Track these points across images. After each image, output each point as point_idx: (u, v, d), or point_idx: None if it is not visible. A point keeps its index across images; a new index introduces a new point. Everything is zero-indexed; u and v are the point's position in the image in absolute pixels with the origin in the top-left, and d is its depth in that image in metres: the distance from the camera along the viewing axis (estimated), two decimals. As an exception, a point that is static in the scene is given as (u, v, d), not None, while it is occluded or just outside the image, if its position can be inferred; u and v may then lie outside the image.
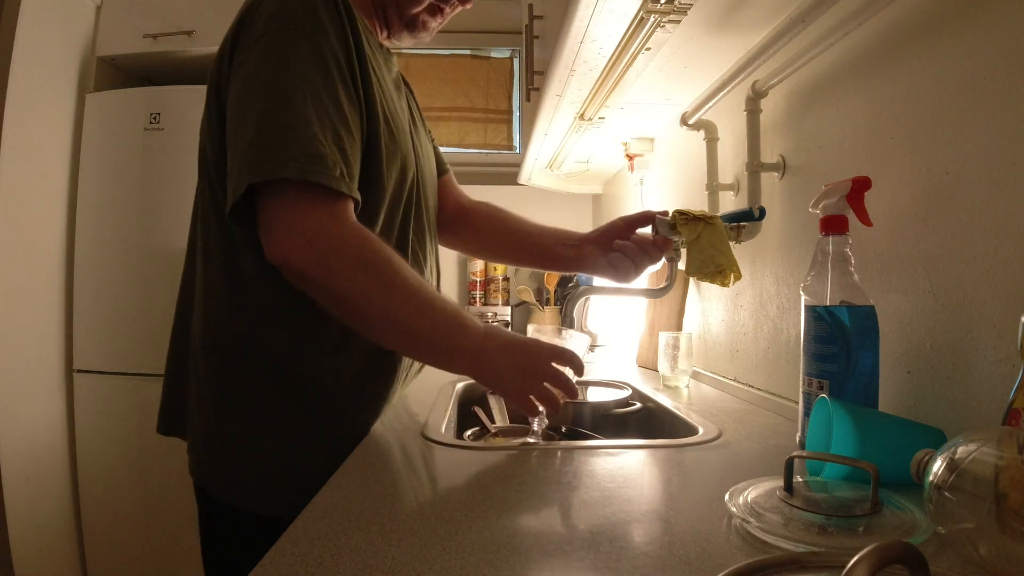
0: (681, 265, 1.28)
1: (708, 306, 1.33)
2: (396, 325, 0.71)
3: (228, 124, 0.71)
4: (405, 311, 0.70)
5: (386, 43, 0.92)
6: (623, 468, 0.70)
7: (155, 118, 1.92)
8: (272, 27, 0.70)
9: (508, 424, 1.20)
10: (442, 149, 1.15)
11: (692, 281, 1.42)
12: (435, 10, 0.90)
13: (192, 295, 0.84)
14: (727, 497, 0.54)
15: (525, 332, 2.45)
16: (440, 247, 1.05)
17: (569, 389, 0.74)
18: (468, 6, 0.91)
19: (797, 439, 0.75)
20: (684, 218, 1.12)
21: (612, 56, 1.13)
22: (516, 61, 2.79)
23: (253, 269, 0.75)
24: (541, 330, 0.79)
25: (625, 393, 1.20)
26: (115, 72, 2.07)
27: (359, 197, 0.72)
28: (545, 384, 0.73)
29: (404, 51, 2.73)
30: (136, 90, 1.98)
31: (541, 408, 0.74)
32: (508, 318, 2.52)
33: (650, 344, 1.53)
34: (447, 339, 0.72)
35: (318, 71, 0.69)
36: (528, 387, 0.73)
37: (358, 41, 0.75)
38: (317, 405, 0.79)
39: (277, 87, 0.68)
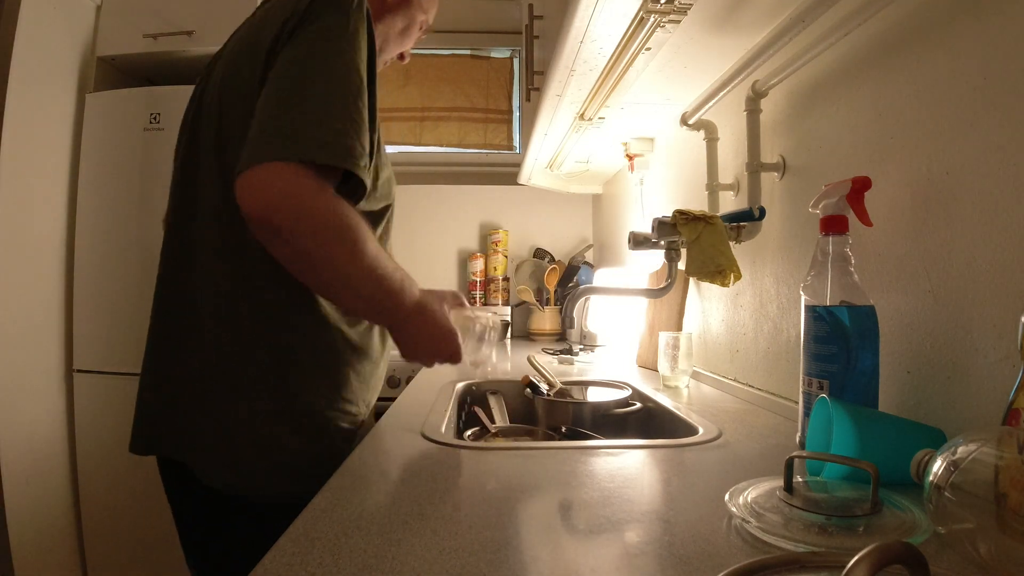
0: (681, 265, 1.28)
1: (708, 306, 1.33)
2: (350, 289, 0.74)
3: (267, 88, 0.71)
4: (362, 278, 0.73)
5: None
6: (623, 468, 0.70)
7: (155, 118, 1.92)
8: (325, 32, 0.72)
9: (508, 424, 1.20)
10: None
11: (692, 281, 1.42)
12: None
13: (185, 291, 0.83)
14: (727, 497, 0.54)
15: (527, 331, 2.46)
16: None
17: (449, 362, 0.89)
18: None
19: (797, 439, 0.75)
20: (684, 218, 1.12)
21: (612, 56, 1.13)
22: (516, 61, 2.79)
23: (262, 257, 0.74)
24: (457, 318, 0.90)
25: (625, 393, 1.20)
26: (115, 72, 2.07)
27: (366, 182, 0.72)
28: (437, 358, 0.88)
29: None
30: (136, 90, 1.98)
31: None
32: (508, 318, 2.52)
33: (650, 344, 1.53)
34: (388, 301, 0.78)
35: (354, 77, 0.72)
36: (427, 357, 0.87)
37: (374, 64, 0.78)
38: (312, 385, 0.82)
39: (323, 78, 0.70)
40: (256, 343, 0.80)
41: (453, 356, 0.87)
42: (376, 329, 0.91)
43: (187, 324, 0.83)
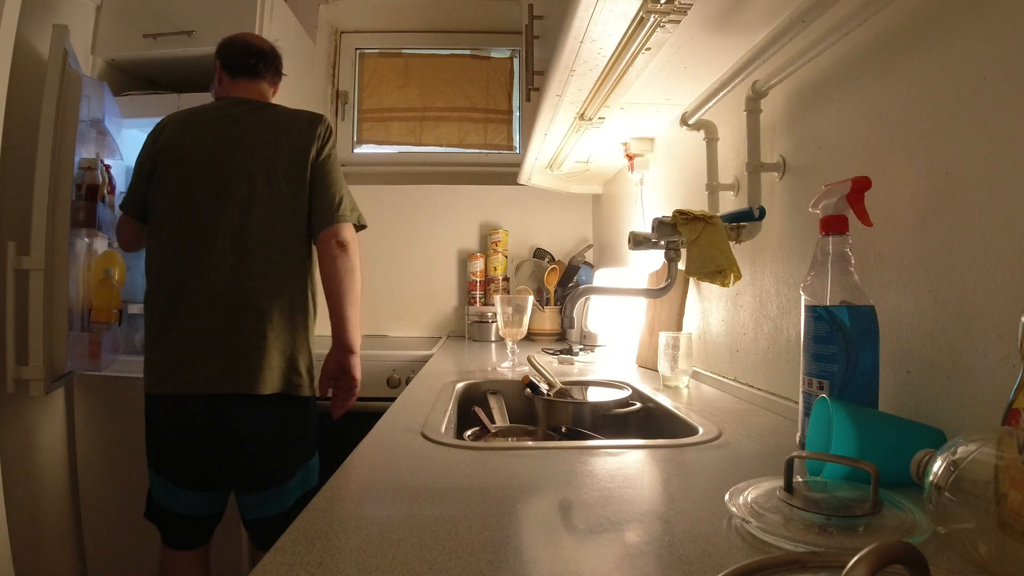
0: (681, 265, 1.28)
1: (708, 306, 1.33)
2: (355, 289, 1.39)
3: (326, 178, 1.38)
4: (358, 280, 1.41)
5: None
6: (623, 468, 0.70)
7: (155, 118, 1.92)
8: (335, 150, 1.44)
9: (508, 424, 1.20)
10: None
11: (692, 281, 1.42)
12: None
13: (280, 278, 1.32)
14: (727, 497, 0.54)
15: (527, 331, 2.44)
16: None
17: None
18: None
19: (797, 439, 0.75)
20: (684, 218, 1.12)
21: (612, 56, 1.13)
22: (516, 61, 2.79)
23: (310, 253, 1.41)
24: None
25: (625, 393, 1.20)
26: (115, 73, 2.07)
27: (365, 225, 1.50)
28: None
29: (404, 51, 2.74)
30: (136, 92, 1.98)
31: None
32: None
33: (650, 344, 1.53)
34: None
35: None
36: None
37: None
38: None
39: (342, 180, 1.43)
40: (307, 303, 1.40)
41: None
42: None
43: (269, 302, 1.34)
